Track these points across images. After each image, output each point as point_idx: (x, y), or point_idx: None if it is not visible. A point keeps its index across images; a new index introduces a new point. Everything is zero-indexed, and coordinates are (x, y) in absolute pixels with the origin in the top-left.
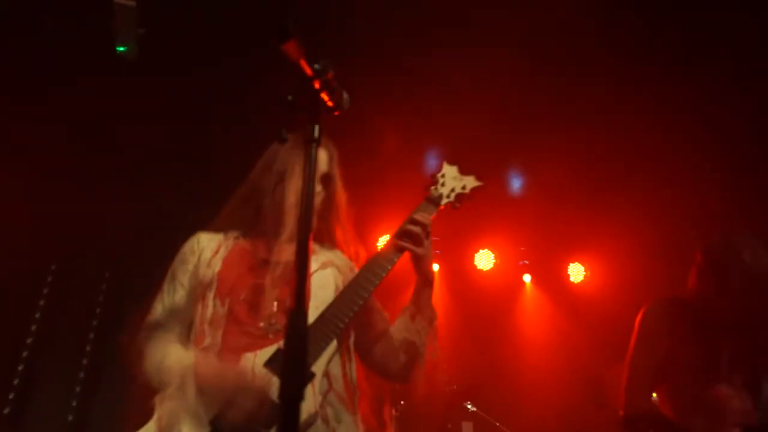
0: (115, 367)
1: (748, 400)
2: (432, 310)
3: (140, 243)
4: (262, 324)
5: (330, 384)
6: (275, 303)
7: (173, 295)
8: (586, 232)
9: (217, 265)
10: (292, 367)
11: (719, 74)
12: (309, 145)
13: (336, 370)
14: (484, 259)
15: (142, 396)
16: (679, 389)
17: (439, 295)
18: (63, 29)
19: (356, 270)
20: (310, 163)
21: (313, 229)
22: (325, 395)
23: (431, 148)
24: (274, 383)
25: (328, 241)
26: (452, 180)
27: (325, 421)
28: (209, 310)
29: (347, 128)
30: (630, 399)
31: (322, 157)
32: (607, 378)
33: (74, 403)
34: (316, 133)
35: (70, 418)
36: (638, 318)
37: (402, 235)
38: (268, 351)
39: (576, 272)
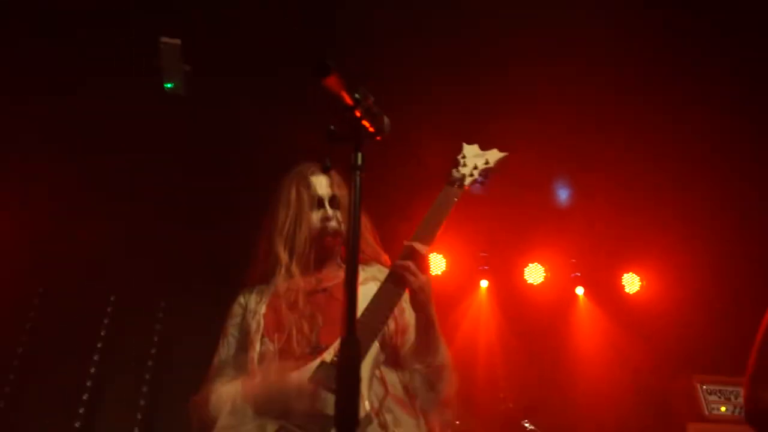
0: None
1: None
2: (438, 350)
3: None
4: (308, 350)
5: (386, 389)
6: (319, 328)
7: (228, 348)
8: (638, 240)
9: (261, 310)
10: (346, 394)
11: None
12: (354, 173)
13: (392, 376)
14: (534, 273)
15: None
16: None
17: (490, 312)
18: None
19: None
20: (356, 191)
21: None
22: (382, 401)
23: None
24: (321, 395)
25: (362, 260)
26: (474, 158)
27: (384, 427)
28: (259, 350)
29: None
30: (753, 391)
31: (322, 181)
32: (670, 389)
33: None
34: (360, 161)
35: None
36: None
37: (395, 275)
38: (310, 367)
39: (631, 282)
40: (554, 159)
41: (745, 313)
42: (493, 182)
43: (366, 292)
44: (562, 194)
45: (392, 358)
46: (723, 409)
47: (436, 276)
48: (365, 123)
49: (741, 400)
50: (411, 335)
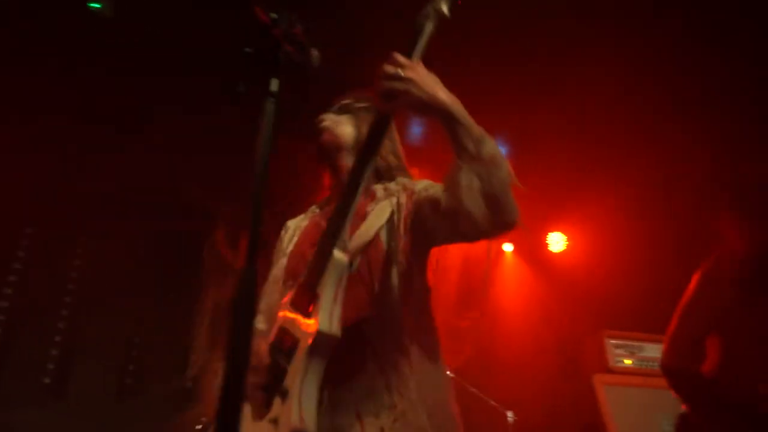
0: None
1: None
2: (477, 136)
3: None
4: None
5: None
6: None
7: (268, 282)
8: (566, 201)
9: (289, 248)
10: (237, 332)
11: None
12: (267, 100)
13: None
14: None
15: None
16: (736, 348)
17: None
18: None
19: (429, 190)
20: (268, 119)
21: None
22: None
23: None
24: (294, 320)
25: (392, 175)
26: None
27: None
28: (280, 294)
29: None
30: (671, 348)
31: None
32: (582, 343)
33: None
34: (275, 87)
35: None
36: (700, 270)
37: (380, 98)
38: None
39: (557, 241)
40: (487, 117)
41: (657, 276)
42: (428, 137)
43: (380, 210)
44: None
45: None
46: (627, 362)
47: None
48: (288, 48)
49: (644, 354)
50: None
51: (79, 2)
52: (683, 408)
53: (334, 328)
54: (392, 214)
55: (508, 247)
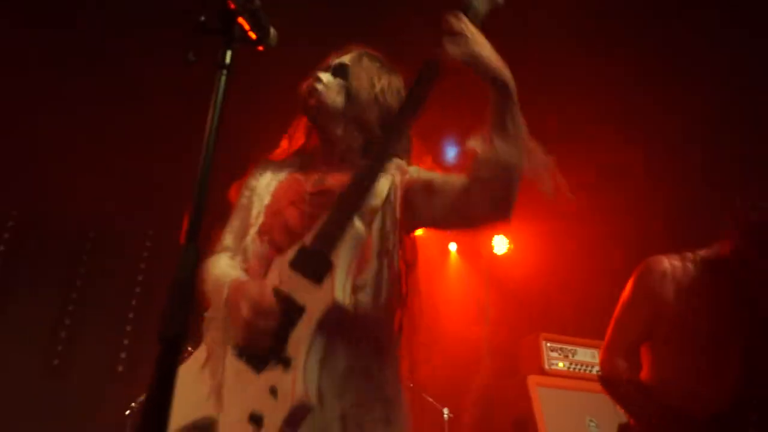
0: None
1: (728, 373)
2: (520, 125)
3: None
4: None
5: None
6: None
7: (235, 225)
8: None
9: (265, 199)
10: (173, 311)
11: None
12: (219, 71)
13: (368, 277)
14: None
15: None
16: (670, 354)
17: None
18: None
19: (420, 173)
20: (219, 92)
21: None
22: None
23: None
24: (298, 284)
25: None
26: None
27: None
28: (259, 248)
29: None
30: (608, 359)
31: (343, 55)
32: (519, 345)
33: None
34: (227, 59)
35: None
36: (634, 274)
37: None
38: (290, 253)
39: (500, 243)
40: (446, 116)
41: (596, 282)
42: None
43: (380, 186)
44: (450, 151)
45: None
46: (561, 365)
47: None
48: (241, 21)
49: (577, 357)
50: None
51: None
52: (619, 411)
53: (348, 300)
54: (389, 191)
55: (452, 246)
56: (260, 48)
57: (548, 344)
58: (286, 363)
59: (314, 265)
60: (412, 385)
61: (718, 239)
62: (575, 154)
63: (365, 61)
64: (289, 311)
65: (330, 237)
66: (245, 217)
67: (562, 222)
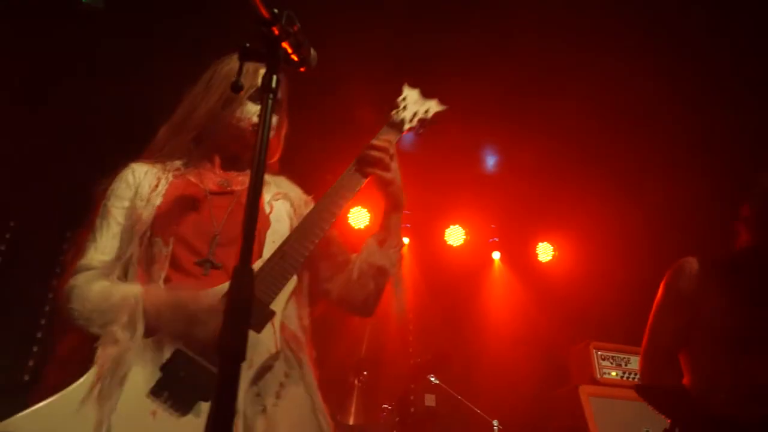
0: None
1: None
2: (399, 237)
3: None
4: (195, 259)
5: (285, 325)
6: (216, 237)
7: (108, 234)
8: (556, 212)
9: (156, 201)
10: (234, 329)
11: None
12: (265, 96)
13: (291, 311)
14: (455, 235)
15: (78, 343)
16: (702, 359)
17: (408, 270)
18: None
19: (311, 204)
20: (266, 114)
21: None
22: (284, 337)
23: None
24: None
25: (272, 168)
26: (414, 104)
27: (290, 365)
28: (149, 251)
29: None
30: (646, 365)
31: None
32: (569, 354)
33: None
34: (273, 84)
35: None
36: (665, 277)
37: (364, 160)
38: (221, 289)
39: (545, 251)
40: (483, 124)
41: (642, 287)
42: (422, 142)
43: (279, 209)
44: (489, 160)
45: (312, 278)
46: (613, 374)
47: (359, 230)
48: (285, 45)
49: (630, 366)
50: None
51: None
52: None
53: (283, 346)
54: (290, 221)
55: (495, 255)
56: (302, 69)
57: (599, 353)
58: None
59: (254, 311)
60: (460, 397)
61: (736, 234)
62: (623, 162)
63: (286, 86)
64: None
65: (272, 286)
66: (123, 226)
67: (606, 227)
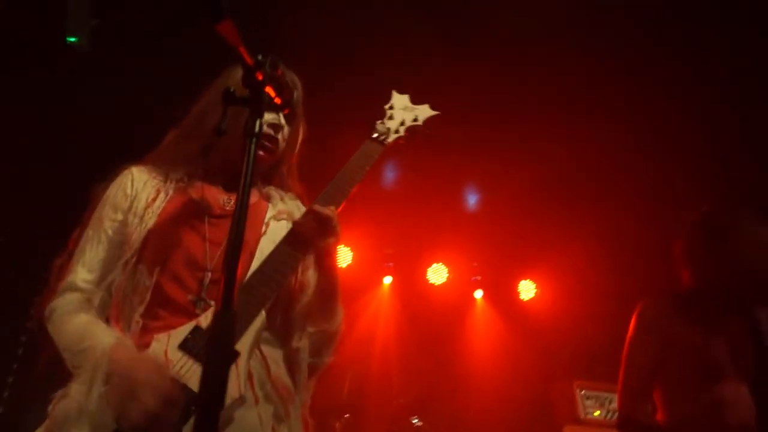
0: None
1: (747, 401)
2: (339, 318)
3: None
4: (190, 297)
5: (267, 367)
6: (209, 274)
7: (97, 249)
8: (538, 250)
9: (150, 221)
10: (213, 376)
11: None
12: (249, 140)
13: (273, 352)
14: (437, 273)
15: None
16: (675, 391)
17: (390, 308)
18: None
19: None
20: (249, 159)
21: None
22: (259, 380)
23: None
24: (191, 370)
25: (289, 188)
26: (402, 111)
27: (276, 414)
28: (132, 278)
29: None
30: (623, 401)
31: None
32: (552, 393)
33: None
34: (257, 128)
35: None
36: (634, 315)
37: (303, 235)
38: (183, 330)
39: (527, 289)
40: (465, 163)
41: (625, 324)
42: (405, 180)
43: (277, 230)
44: (471, 198)
45: (282, 320)
46: (597, 413)
47: (341, 269)
48: (269, 90)
49: (614, 405)
50: (308, 295)
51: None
52: None
53: (246, 390)
54: None
55: (478, 294)
56: (286, 111)
57: (583, 392)
58: None
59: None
60: None
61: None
62: (603, 198)
63: (300, 96)
64: (188, 404)
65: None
66: (114, 242)
67: (588, 264)
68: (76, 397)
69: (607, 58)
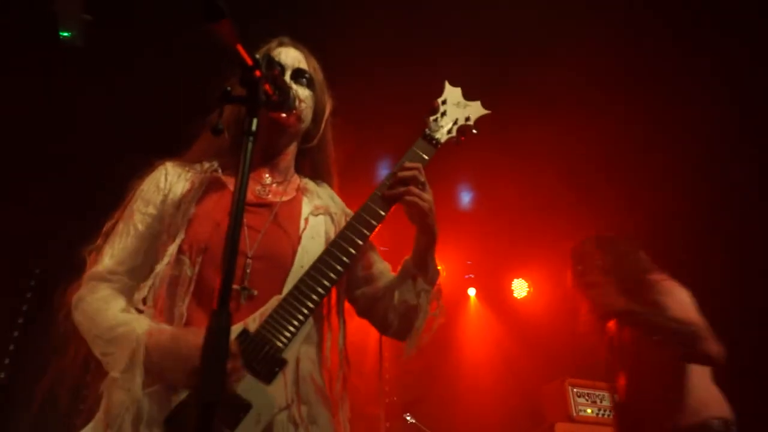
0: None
1: None
2: (435, 270)
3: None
4: (236, 286)
5: (310, 375)
6: (250, 261)
7: (126, 241)
8: (531, 248)
9: (189, 209)
10: (210, 372)
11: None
12: (246, 138)
13: (311, 351)
14: None
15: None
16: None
17: None
18: None
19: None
20: (245, 157)
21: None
22: (297, 384)
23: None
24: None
25: (322, 173)
26: (455, 108)
27: (294, 422)
28: (174, 270)
29: None
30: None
31: (294, 54)
32: (544, 390)
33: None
34: (254, 127)
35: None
36: None
37: (392, 185)
38: (234, 330)
39: (520, 288)
40: (459, 161)
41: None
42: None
43: (316, 226)
44: (465, 197)
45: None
46: (589, 411)
47: None
48: (267, 88)
49: (605, 403)
50: (378, 280)
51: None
52: None
53: (294, 398)
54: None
55: (471, 292)
56: (283, 114)
57: (575, 390)
58: None
59: (263, 359)
60: None
61: None
62: (595, 196)
63: (318, 68)
64: (236, 408)
65: (284, 330)
66: (145, 235)
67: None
68: (124, 387)
69: (607, 58)
